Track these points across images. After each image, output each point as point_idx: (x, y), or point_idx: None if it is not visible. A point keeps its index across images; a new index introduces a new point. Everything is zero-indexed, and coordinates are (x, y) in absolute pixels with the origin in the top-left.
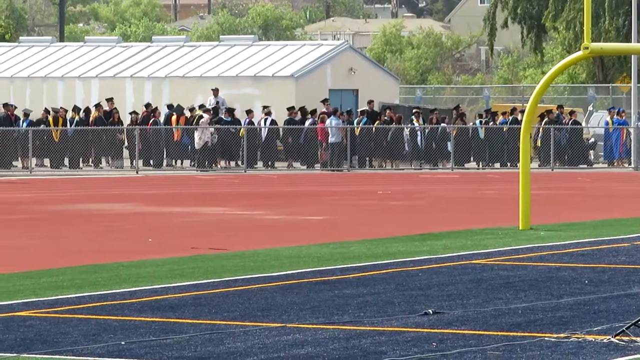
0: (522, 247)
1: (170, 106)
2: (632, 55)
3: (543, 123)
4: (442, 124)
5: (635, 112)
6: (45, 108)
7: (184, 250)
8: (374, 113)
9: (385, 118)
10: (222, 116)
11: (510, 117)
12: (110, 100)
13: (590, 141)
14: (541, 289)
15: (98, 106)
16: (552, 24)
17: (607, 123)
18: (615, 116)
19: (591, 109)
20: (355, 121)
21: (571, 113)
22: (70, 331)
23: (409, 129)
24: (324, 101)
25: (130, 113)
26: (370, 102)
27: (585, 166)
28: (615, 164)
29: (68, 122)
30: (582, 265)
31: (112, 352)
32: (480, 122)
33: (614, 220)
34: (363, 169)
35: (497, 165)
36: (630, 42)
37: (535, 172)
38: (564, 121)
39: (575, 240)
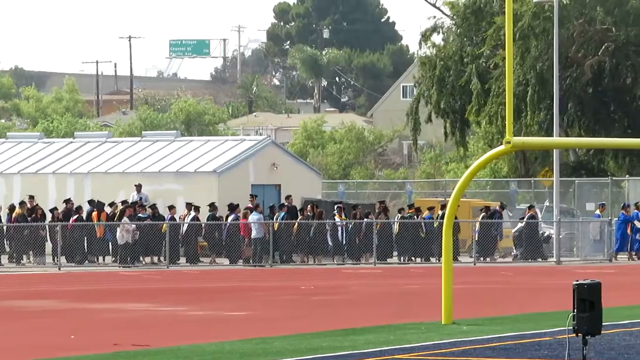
0: (444, 342)
1: (91, 202)
2: (554, 150)
3: (481, 217)
4: (365, 219)
5: (557, 206)
6: None
7: (107, 346)
8: (293, 208)
9: (308, 213)
10: (140, 214)
11: (441, 212)
12: (31, 197)
13: (544, 234)
14: None
15: (22, 204)
16: (475, 118)
17: (626, 217)
18: (620, 211)
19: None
20: (275, 217)
21: (530, 207)
22: None
23: (330, 224)
24: (252, 196)
25: (52, 210)
26: (288, 197)
27: (540, 260)
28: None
29: None
30: (505, 359)
31: None
32: (402, 217)
33: (536, 314)
34: (285, 264)
35: (419, 260)
36: (552, 136)
37: (459, 266)
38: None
39: (498, 334)
